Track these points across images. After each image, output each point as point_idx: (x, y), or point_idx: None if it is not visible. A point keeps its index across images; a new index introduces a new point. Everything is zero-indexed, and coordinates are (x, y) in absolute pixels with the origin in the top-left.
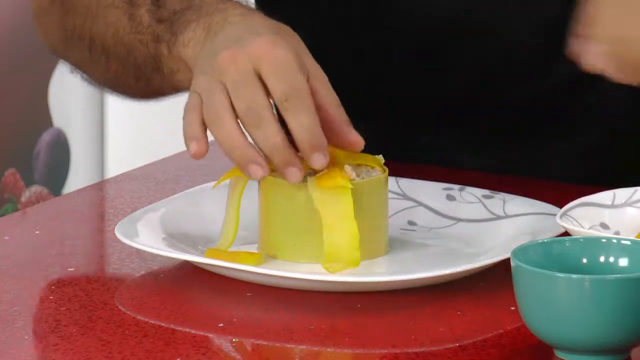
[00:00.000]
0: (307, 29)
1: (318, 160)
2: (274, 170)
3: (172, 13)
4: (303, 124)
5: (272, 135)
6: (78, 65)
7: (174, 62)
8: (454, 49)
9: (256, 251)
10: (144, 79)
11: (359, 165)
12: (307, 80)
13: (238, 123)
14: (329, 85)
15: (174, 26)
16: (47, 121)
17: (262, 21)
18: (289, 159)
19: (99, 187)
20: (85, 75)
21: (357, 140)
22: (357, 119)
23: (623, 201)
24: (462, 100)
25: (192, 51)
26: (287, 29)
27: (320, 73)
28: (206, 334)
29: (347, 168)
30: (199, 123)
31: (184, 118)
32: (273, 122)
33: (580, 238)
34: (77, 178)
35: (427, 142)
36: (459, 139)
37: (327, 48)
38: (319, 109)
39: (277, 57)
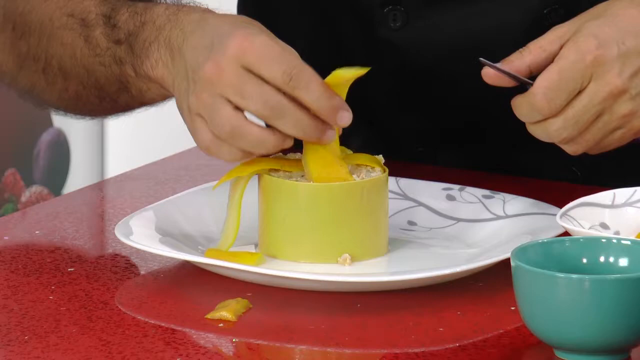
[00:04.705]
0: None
1: (344, 117)
2: (275, 170)
3: (128, 34)
4: (317, 92)
5: (303, 116)
6: (31, 89)
7: (142, 82)
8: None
9: (256, 251)
10: (108, 99)
11: (358, 165)
12: None
13: (253, 122)
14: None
15: (135, 48)
16: (47, 121)
17: (220, 20)
18: (336, 105)
19: (99, 187)
20: (37, 99)
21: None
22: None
23: (623, 201)
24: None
25: (162, 71)
26: (246, 18)
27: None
28: (206, 334)
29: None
30: (233, 151)
31: (206, 147)
32: (294, 107)
33: (580, 238)
34: (77, 178)
35: (422, 152)
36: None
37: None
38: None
39: (259, 46)
